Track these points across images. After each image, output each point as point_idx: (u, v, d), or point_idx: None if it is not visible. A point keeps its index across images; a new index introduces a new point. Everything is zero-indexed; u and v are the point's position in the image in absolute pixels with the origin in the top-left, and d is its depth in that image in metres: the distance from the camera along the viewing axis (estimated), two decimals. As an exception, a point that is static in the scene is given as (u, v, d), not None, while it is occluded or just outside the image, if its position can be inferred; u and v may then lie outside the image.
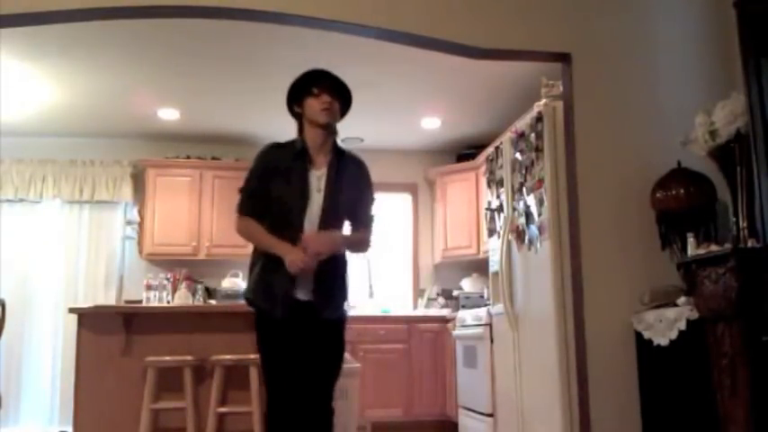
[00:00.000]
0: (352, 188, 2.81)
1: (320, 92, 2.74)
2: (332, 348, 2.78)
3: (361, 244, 2.89)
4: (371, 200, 2.92)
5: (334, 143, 2.83)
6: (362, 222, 2.88)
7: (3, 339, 4.39)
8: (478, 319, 4.85)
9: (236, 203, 2.81)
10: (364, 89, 5.33)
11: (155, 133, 6.41)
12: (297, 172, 2.73)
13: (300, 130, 2.83)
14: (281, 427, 2.66)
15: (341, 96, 2.81)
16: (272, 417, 2.68)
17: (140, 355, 4.01)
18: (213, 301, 6.01)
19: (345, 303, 2.85)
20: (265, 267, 2.73)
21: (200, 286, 6.15)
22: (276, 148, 2.81)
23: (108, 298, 6.24)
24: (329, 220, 2.73)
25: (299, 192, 2.71)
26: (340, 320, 2.82)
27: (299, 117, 2.82)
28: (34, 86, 5.27)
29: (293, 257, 2.61)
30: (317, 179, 2.74)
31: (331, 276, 2.76)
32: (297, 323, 2.68)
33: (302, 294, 2.70)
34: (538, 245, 3.71)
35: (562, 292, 3.50)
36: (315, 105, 2.74)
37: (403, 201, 6.98)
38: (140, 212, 6.38)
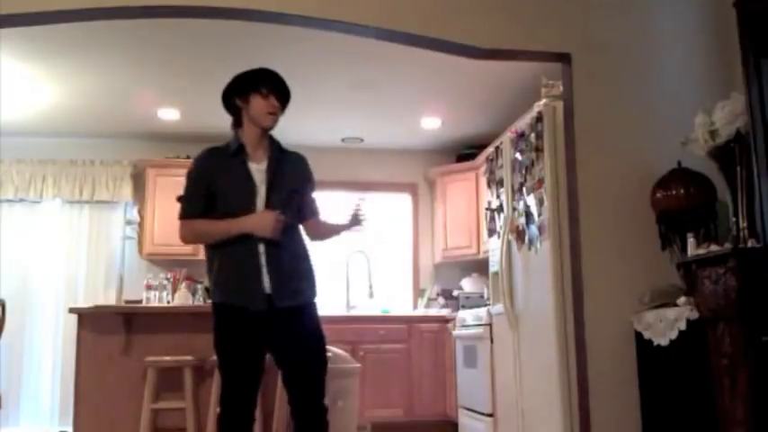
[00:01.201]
0: (295, 179, 2.80)
1: (269, 94, 2.72)
2: (307, 338, 2.70)
3: (323, 229, 2.93)
4: (313, 191, 2.94)
5: (270, 138, 2.82)
6: (314, 212, 2.90)
7: (3, 339, 4.39)
8: (478, 319, 4.85)
9: (178, 212, 2.80)
10: (364, 89, 5.37)
11: (155, 133, 6.40)
12: (237, 167, 2.70)
13: (237, 123, 2.79)
14: (236, 426, 2.62)
15: (286, 102, 2.80)
16: (230, 416, 2.62)
17: (140, 355, 4.00)
18: (213, 301, 6.00)
19: (309, 288, 2.78)
20: (225, 264, 2.70)
21: (200, 286, 6.15)
22: (210, 151, 2.80)
23: (108, 298, 6.24)
24: (278, 210, 2.70)
25: (243, 185, 2.69)
26: (305, 306, 2.74)
27: (237, 110, 2.78)
28: (34, 86, 5.26)
29: (265, 219, 2.60)
30: (260, 172, 2.72)
31: (288, 261, 2.70)
32: (268, 315, 2.64)
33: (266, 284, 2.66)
34: (538, 245, 3.71)
35: (562, 292, 3.50)
36: (262, 107, 2.71)
37: (403, 201, 6.97)
38: (140, 212, 6.38)
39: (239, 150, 2.73)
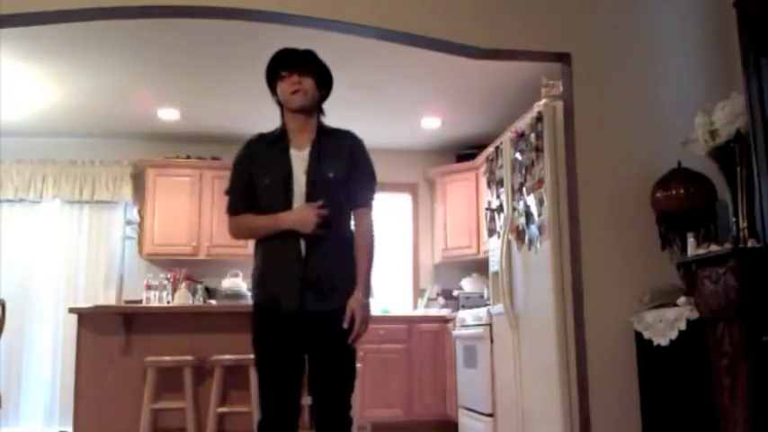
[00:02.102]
0: (339, 165, 2.50)
1: (288, 73, 2.50)
2: (334, 345, 2.45)
3: (370, 250, 2.52)
4: (368, 177, 2.58)
5: (320, 123, 2.58)
6: (359, 202, 2.54)
7: (3, 339, 4.39)
8: (478, 319, 4.85)
9: (225, 207, 2.60)
10: (364, 89, 5.37)
11: (155, 133, 6.40)
12: (277, 156, 2.51)
13: (283, 116, 2.61)
14: None
15: (314, 72, 2.53)
16: (270, 424, 2.40)
17: (140, 355, 4.01)
18: (213, 301, 6.01)
19: (344, 293, 2.46)
20: (264, 260, 2.50)
21: (200, 286, 6.15)
22: (255, 140, 2.62)
23: (108, 298, 6.24)
24: (320, 202, 2.46)
25: (280, 176, 2.47)
26: (337, 312, 2.43)
27: (280, 104, 2.60)
28: (34, 86, 5.26)
29: (303, 214, 2.38)
30: (302, 160, 2.49)
31: (329, 259, 2.45)
32: (300, 317, 2.41)
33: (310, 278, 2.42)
34: (538, 245, 3.71)
35: (562, 292, 3.50)
36: (284, 89, 2.50)
37: (403, 201, 6.98)
38: (140, 212, 6.39)
39: (280, 137, 2.54)
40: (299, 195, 2.46)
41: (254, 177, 2.52)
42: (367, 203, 2.56)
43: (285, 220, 2.42)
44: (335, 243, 2.47)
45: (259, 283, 2.51)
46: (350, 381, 2.48)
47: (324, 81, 2.58)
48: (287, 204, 2.45)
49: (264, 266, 2.50)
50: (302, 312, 2.41)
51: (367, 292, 2.49)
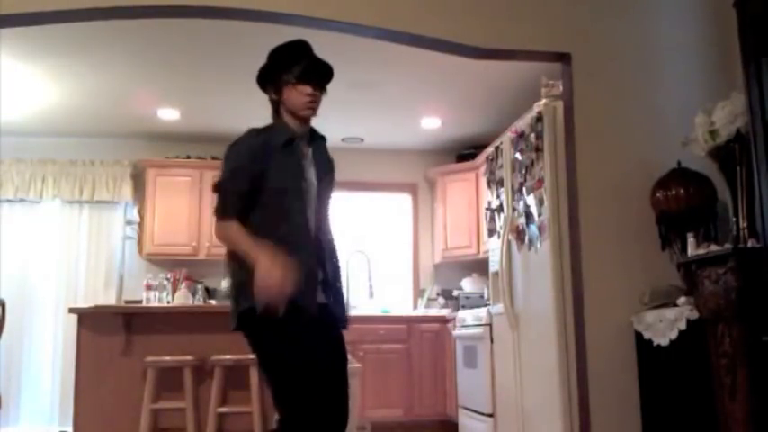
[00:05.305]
0: (328, 168, 2.49)
1: (311, 87, 2.36)
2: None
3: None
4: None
5: (310, 126, 2.50)
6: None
7: (3, 339, 4.39)
8: (478, 319, 4.85)
9: (217, 205, 2.32)
10: (364, 89, 5.37)
11: (155, 133, 6.41)
12: (289, 159, 2.34)
13: (277, 113, 2.44)
14: None
15: (326, 81, 2.44)
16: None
17: (140, 355, 4.01)
18: (213, 301, 6.02)
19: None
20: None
21: (200, 286, 6.16)
22: (261, 137, 2.35)
23: (108, 298, 6.24)
24: (323, 211, 2.41)
25: (295, 181, 2.32)
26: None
27: (275, 103, 2.44)
28: (34, 86, 5.27)
29: (274, 276, 2.08)
30: (308, 164, 2.40)
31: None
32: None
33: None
34: (538, 245, 3.71)
35: (562, 292, 3.50)
36: (299, 98, 2.35)
37: (403, 201, 6.98)
38: (140, 212, 6.38)
39: (289, 138, 2.37)
40: (312, 204, 2.36)
41: (265, 179, 2.28)
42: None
43: (261, 263, 2.11)
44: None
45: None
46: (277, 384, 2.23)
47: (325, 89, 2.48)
48: (300, 212, 2.30)
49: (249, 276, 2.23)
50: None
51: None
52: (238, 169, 2.30)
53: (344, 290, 2.47)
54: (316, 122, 2.53)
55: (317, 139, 2.49)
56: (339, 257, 2.46)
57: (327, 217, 2.44)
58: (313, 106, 2.39)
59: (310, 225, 2.34)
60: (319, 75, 2.41)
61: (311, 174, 2.39)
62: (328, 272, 2.36)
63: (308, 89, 2.36)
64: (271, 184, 2.28)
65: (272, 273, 2.09)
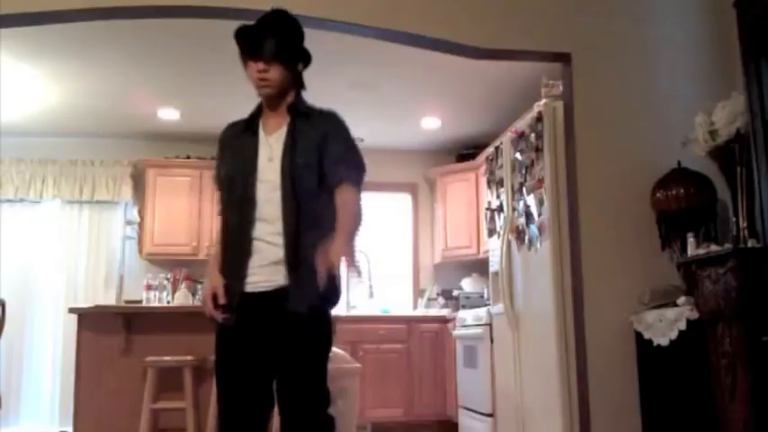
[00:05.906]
0: (310, 150, 2.18)
1: (253, 60, 2.17)
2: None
3: (351, 216, 2.25)
4: (343, 151, 2.25)
5: (295, 103, 2.27)
6: (335, 178, 2.21)
7: (3, 339, 4.39)
8: (478, 319, 4.85)
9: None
10: (364, 89, 5.37)
11: (155, 133, 6.41)
12: (243, 144, 2.23)
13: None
14: None
15: (281, 57, 2.17)
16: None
17: (140, 355, 4.00)
18: (213, 302, 6.00)
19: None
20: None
21: (200, 286, 6.14)
22: (231, 125, 2.35)
23: (108, 298, 6.24)
24: (292, 194, 2.14)
25: (242, 165, 2.18)
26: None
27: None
28: (34, 86, 5.26)
29: (206, 293, 2.29)
30: (269, 147, 2.19)
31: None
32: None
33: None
34: (538, 245, 3.71)
35: (562, 292, 3.50)
36: (250, 75, 2.20)
37: (403, 201, 6.98)
38: (140, 212, 6.38)
39: (251, 121, 2.26)
40: (267, 187, 2.15)
41: (220, 169, 2.28)
42: (347, 178, 2.23)
43: (209, 281, 2.30)
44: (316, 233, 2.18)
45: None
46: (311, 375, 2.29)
47: (295, 58, 2.23)
48: (249, 197, 2.15)
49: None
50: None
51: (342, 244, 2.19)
52: (214, 168, 2.37)
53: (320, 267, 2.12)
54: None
55: (300, 116, 2.24)
56: (327, 227, 2.19)
57: (309, 191, 2.18)
58: (266, 83, 2.18)
59: (250, 210, 2.16)
60: (253, 46, 2.17)
61: (268, 156, 2.18)
62: (292, 252, 2.13)
63: (254, 65, 2.17)
64: (223, 173, 2.28)
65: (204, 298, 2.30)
